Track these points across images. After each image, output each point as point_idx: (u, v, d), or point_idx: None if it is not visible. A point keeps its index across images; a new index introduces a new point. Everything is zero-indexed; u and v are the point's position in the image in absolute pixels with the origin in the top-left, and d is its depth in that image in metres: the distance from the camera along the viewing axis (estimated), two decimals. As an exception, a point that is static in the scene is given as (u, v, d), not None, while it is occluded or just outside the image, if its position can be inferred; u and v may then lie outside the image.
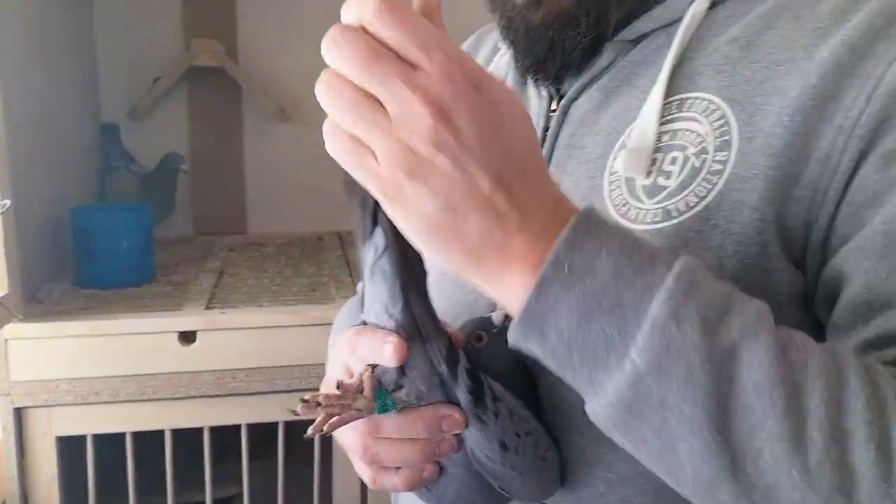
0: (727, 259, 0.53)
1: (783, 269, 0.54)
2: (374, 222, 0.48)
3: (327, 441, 1.45)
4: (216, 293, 1.48)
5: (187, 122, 1.98)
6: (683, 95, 0.58)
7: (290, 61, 1.98)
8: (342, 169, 0.46)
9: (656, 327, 0.43)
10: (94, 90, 1.90)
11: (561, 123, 0.65)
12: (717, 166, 0.54)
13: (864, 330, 0.51)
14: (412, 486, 0.57)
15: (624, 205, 0.58)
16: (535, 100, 0.68)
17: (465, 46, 0.83)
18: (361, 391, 0.51)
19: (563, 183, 0.61)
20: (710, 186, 0.54)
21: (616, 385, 0.44)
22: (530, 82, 0.68)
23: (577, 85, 0.64)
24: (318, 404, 0.50)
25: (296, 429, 1.38)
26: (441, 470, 0.57)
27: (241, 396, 1.37)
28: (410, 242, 0.47)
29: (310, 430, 0.52)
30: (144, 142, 1.92)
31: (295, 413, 0.50)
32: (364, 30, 0.43)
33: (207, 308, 1.39)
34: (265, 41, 1.98)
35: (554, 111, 0.66)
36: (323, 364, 1.36)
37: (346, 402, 0.50)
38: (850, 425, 0.43)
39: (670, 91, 0.58)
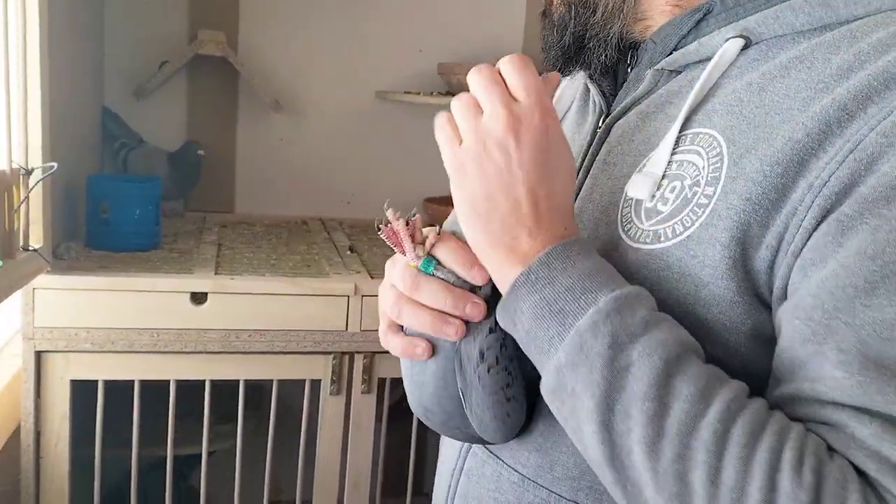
0: (703, 288, 0.58)
1: (751, 305, 0.57)
2: None
3: (314, 402, 1.61)
4: (220, 262, 1.62)
5: (186, 106, 2.12)
6: (697, 130, 0.62)
7: (287, 57, 2.15)
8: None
9: (578, 333, 0.55)
10: (100, 73, 2.02)
11: (603, 140, 0.71)
12: (704, 200, 0.59)
13: (779, 387, 0.55)
14: (405, 354, 0.68)
15: (629, 223, 0.63)
16: (592, 116, 0.76)
17: None
18: (423, 243, 0.65)
19: (594, 195, 0.68)
20: (695, 218, 0.59)
21: (548, 372, 0.57)
22: (591, 98, 0.76)
23: (621, 106, 0.70)
24: (388, 224, 0.65)
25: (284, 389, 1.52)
26: (433, 352, 0.66)
27: (242, 354, 1.52)
28: None
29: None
30: (145, 121, 2.05)
31: (378, 226, 0.65)
32: (499, 71, 0.62)
33: (216, 273, 1.54)
34: (265, 35, 2.13)
35: (600, 128, 0.72)
36: (318, 331, 1.53)
37: (411, 232, 0.65)
38: (695, 450, 0.50)
39: (689, 124, 0.63)
